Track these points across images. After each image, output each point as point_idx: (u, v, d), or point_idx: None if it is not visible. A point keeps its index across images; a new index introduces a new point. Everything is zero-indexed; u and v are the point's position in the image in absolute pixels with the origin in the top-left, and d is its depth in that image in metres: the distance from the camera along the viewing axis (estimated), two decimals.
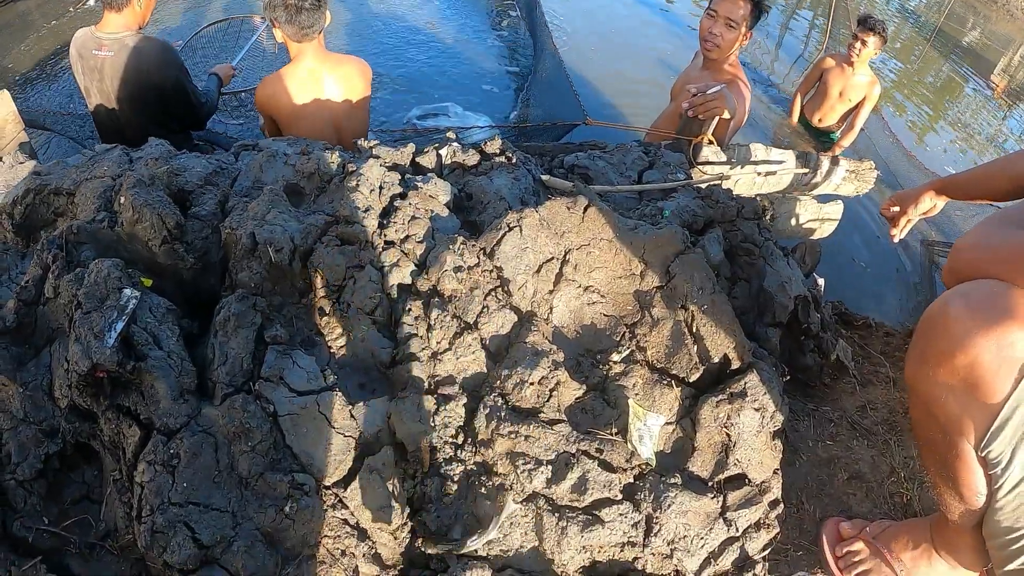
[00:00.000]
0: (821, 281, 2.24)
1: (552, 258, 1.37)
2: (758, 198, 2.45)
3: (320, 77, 2.55)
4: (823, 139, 4.89)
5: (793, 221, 2.67)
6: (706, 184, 1.93)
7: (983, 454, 0.98)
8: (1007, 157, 1.57)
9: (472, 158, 1.70)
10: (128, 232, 1.54)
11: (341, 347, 1.40)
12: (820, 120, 4.82)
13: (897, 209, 1.86)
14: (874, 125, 5.52)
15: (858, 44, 4.40)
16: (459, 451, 1.25)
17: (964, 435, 0.99)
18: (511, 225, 1.35)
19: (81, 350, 1.21)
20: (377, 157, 1.67)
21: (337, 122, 2.63)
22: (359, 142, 1.80)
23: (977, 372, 0.93)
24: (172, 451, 1.21)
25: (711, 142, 2.17)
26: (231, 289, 1.50)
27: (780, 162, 2.39)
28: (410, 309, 1.37)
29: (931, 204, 1.78)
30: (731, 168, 2.21)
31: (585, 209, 1.40)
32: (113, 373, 1.23)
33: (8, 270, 1.63)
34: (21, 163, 2.12)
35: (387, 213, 1.50)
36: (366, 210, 1.47)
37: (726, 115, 2.21)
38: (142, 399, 1.27)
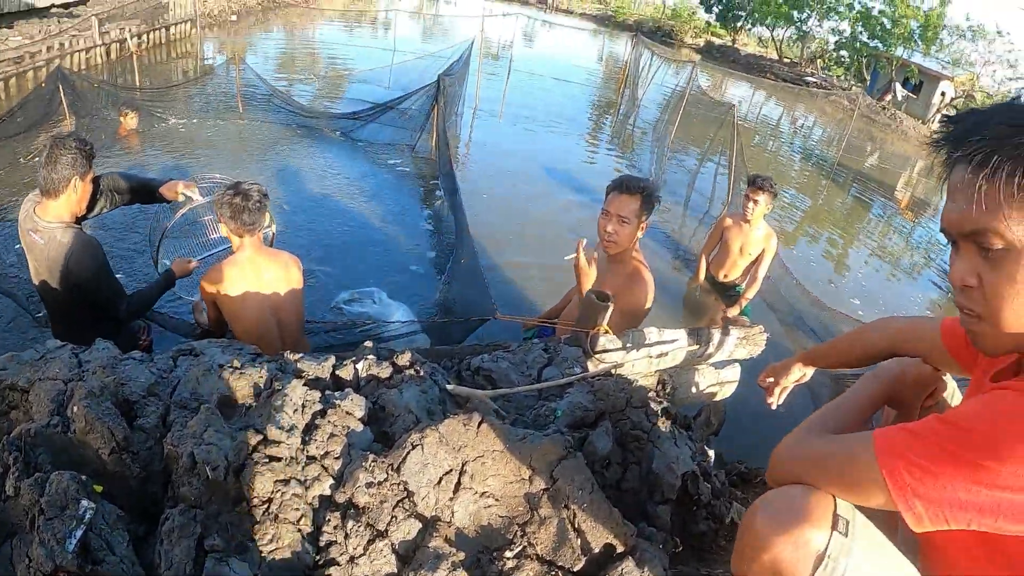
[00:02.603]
0: (712, 452, 2.47)
1: (451, 470, 1.58)
2: (657, 373, 2.74)
3: (260, 268, 2.83)
4: (730, 292, 5.30)
5: (694, 389, 2.94)
6: (602, 374, 2.18)
7: None
8: (860, 329, 1.81)
9: (385, 371, 1.94)
10: (80, 439, 1.71)
11: (271, 552, 1.56)
12: (725, 275, 5.25)
13: (772, 380, 2.10)
14: (778, 271, 6.00)
15: (750, 203, 4.86)
16: None
17: None
18: (414, 444, 1.57)
19: (45, 553, 1.37)
20: (301, 372, 1.90)
21: (277, 311, 2.87)
22: (285, 355, 2.03)
23: (779, 568, 1.13)
24: None
25: (607, 331, 2.44)
26: (174, 500, 1.66)
27: (673, 340, 2.67)
28: (329, 519, 1.55)
29: (800, 373, 2.00)
30: (627, 353, 2.48)
31: (479, 425, 1.62)
32: (74, 575, 1.38)
33: None
34: None
35: (309, 430, 1.70)
36: (290, 429, 1.67)
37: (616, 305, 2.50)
38: None
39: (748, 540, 1.18)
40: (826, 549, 1.06)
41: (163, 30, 16.16)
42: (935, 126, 28.54)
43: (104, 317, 2.98)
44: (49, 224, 2.74)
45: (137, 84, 10.29)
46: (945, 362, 1.49)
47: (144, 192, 3.24)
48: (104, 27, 13.42)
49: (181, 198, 3.25)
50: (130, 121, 7.89)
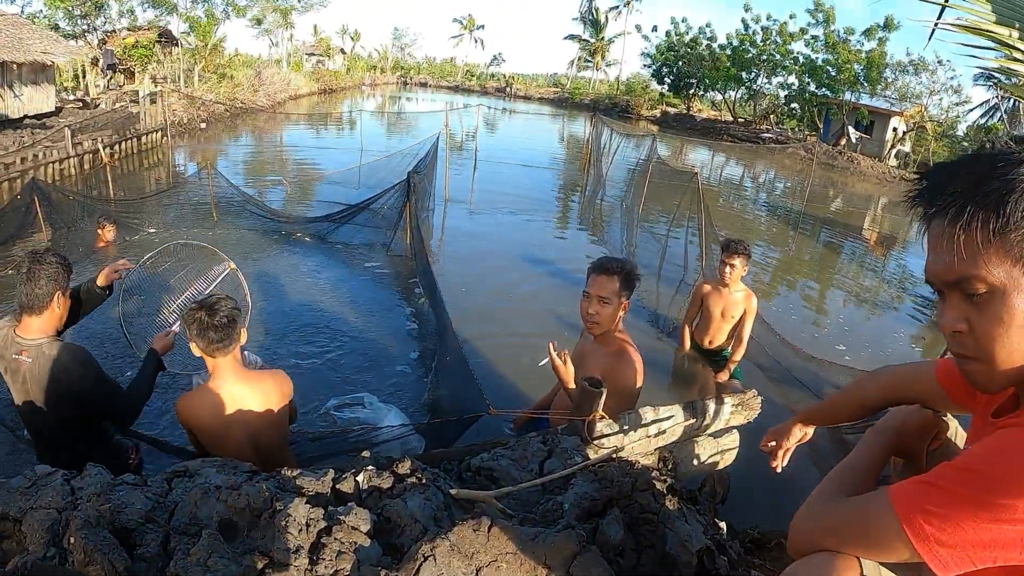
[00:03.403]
0: (723, 524, 2.44)
1: None
2: (657, 451, 2.73)
3: (236, 396, 2.61)
4: (716, 358, 5.32)
5: (695, 462, 2.92)
6: (603, 460, 2.16)
7: None
8: (854, 383, 1.81)
9: (387, 481, 1.91)
10: (80, 572, 1.65)
11: None
12: (710, 342, 5.28)
13: (774, 444, 2.09)
14: (761, 330, 6.05)
15: (727, 268, 4.95)
16: None
17: None
18: (425, 555, 1.53)
19: None
20: (301, 489, 1.87)
21: (255, 439, 2.70)
22: (284, 471, 1.99)
23: None
24: None
25: (603, 417, 2.43)
26: None
27: (670, 417, 2.67)
28: None
29: (801, 433, 2.00)
30: (625, 436, 2.47)
31: (489, 529, 1.60)
32: None
33: None
34: None
35: (315, 549, 1.66)
36: (296, 550, 1.63)
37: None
38: None
39: None
40: None
41: (134, 139, 16.48)
42: (892, 162, 29.54)
43: (94, 435, 2.95)
44: (34, 341, 2.71)
45: (111, 194, 10.41)
46: (944, 404, 1.51)
47: (90, 291, 3.24)
48: (76, 138, 13.68)
49: (116, 276, 3.24)
50: (108, 233, 7.95)
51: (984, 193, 0.94)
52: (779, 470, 2.08)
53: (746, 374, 5.49)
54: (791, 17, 35.88)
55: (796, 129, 38.53)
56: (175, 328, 3.21)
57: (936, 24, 3.16)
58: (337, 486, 1.91)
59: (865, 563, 1.10)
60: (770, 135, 35.25)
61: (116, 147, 15.28)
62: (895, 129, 31.61)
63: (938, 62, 31.35)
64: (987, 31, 3.17)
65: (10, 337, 2.73)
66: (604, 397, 2.40)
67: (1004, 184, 0.92)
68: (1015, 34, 3.16)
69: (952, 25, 3.11)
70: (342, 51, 70.00)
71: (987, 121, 31.85)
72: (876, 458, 1.51)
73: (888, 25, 31.72)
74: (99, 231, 7.96)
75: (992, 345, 0.98)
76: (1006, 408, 1.13)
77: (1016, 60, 3.24)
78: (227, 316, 2.51)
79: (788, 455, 2.07)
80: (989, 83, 27.14)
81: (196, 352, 2.59)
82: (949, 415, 1.64)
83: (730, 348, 5.21)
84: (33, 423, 2.87)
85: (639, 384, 2.89)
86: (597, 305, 2.89)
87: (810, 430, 2.02)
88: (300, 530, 1.69)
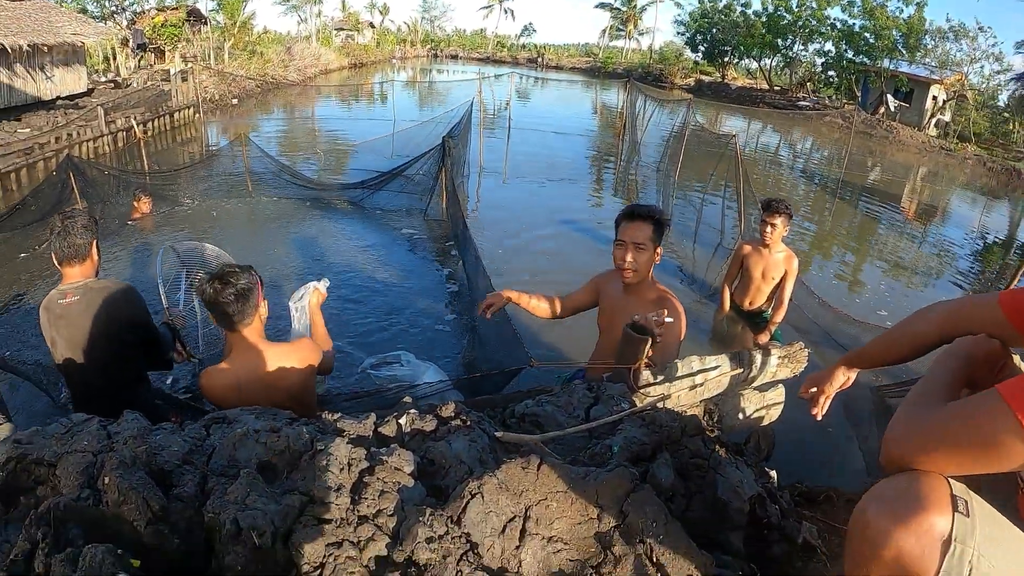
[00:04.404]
0: (773, 473, 2.37)
1: (514, 516, 1.49)
2: (703, 403, 2.65)
3: (255, 372, 2.47)
4: (756, 320, 5.20)
5: (740, 415, 2.84)
6: (650, 408, 2.09)
7: None
8: (906, 320, 1.71)
9: (430, 424, 1.87)
10: (114, 512, 1.62)
11: None
12: (750, 303, 5.16)
13: (815, 390, 2.01)
14: (800, 293, 5.91)
15: (768, 228, 4.81)
16: None
17: None
18: (473, 493, 1.48)
19: None
20: (342, 432, 1.83)
21: (282, 406, 2.53)
22: (324, 415, 1.95)
23: (904, 562, 1.03)
24: None
25: (648, 365, 2.35)
26: (218, 571, 1.56)
27: (716, 367, 2.59)
28: None
29: (844, 378, 1.94)
30: (672, 385, 2.39)
31: (539, 467, 1.54)
32: None
33: None
34: None
35: (357, 488, 1.62)
36: (337, 489, 1.59)
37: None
38: None
39: (864, 539, 1.11)
40: (951, 533, 1.01)
41: (167, 116, 16.63)
42: (932, 131, 28.70)
43: (132, 381, 3.01)
44: (79, 283, 2.80)
45: (146, 169, 10.49)
46: (1009, 336, 1.44)
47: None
48: (110, 116, 13.80)
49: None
50: (144, 205, 8.04)
51: None
52: (819, 418, 2.02)
53: (785, 337, 5.37)
54: None
55: (833, 97, 37.59)
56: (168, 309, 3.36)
57: None
58: (379, 429, 1.87)
59: (954, 483, 1.05)
60: (807, 103, 34.42)
61: (149, 124, 15.44)
62: (935, 98, 30.64)
63: (979, 28, 30.29)
64: None
65: (55, 292, 2.80)
66: (649, 343, 2.32)
67: None
68: None
69: None
70: (371, 25, 69.62)
71: None
72: (953, 379, 1.41)
73: None
74: (135, 203, 8.05)
75: None
76: None
77: None
78: (237, 290, 2.37)
79: (828, 402, 1.99)
80: None
81: (214, 323, 2.52)
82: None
83: (770, 310, 5.10)
84: (75, 372, 2.88)
85: (682, 335, 2.82)
86: (634, 252, 2.81)
87: (853, 374, 1.95)
88: (342, 469, 1.65)
